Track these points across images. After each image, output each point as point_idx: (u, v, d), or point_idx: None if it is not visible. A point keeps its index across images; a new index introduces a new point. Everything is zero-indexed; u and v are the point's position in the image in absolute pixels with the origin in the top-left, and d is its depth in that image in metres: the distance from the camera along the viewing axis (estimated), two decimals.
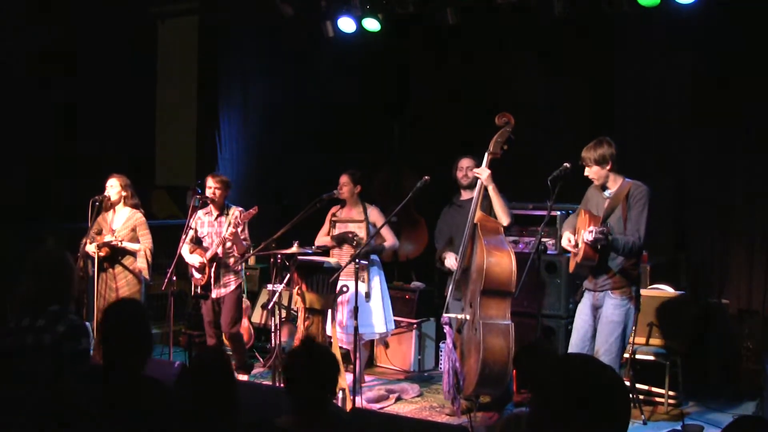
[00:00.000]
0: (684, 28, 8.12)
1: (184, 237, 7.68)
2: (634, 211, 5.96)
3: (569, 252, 6.29)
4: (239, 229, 7.62)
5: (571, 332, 6.31)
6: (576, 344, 6.18)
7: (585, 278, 6.25)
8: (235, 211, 7.65)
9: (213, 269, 7.71)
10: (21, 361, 3.96)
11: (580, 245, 5.98)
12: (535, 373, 3.25)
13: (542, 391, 2.26)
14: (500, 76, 9.49)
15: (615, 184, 6.11)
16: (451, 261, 7.01)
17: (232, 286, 7.77)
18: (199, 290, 7.80)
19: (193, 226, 7.80)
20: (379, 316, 7.73)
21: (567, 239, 6.13)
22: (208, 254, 7.71)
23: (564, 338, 7.41)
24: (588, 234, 5.77)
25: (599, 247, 5.87)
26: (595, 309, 6.13)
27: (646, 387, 7.32)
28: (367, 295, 7.46)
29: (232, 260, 7.75)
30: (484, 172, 6.78)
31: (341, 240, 7.72)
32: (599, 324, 6.08)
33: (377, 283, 7.77)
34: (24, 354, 3.97)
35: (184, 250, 7.80)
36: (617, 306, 6.02)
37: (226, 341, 7.95)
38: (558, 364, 2.29)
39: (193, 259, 7.77)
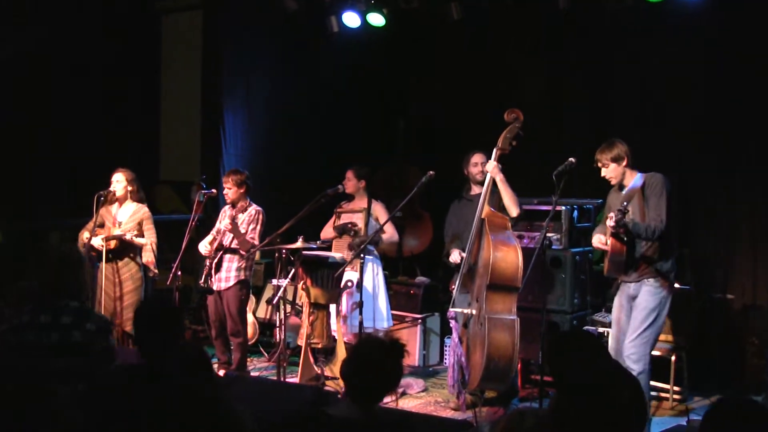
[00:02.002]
0: (690, 26, 8.07)
1: (188, 231, 7.69)
2: (653, 200, 5.98)
3: (593, 248, 6.31)
4: (251, 227, 7.62)
5: (610, 325, 6.38)
6: (615, 337, 6.21)
7: (612, 274, 6.27)
8: (251, 210, 7.64)
9: (215, 260, 7.68)
10: (47, 358, 3.94)
11: (608, 242, 6.02)
12: (561, 373, 3.24)
13: (567, 392, 2.30)
14: (506, 71, 9.45)
15: (631, 179, 6.13)
16: (455, 256, 7.01)
17: (232, 281, 7.69)
18: (202, 281, 7.75)
19: (219, 218, 7.93)
20: (378, 310, 7.72)
21: (598, 239, 6.20)
22: (215, 244, 7.71)
23: None
24: (609, 221, 5.78)
25: (623, 235, 5.89)
26: (632, 299, 6.15)
27: (651, 382, 7.28)
28: (358, 286, 7.39)
29: (237, 256, 7.71)
30: (490, 165, 6.78)
31: (342, 230, 7.75)
32: (633, 311, 6.10)
33: (371, 275, 7.73)
34: (49, 351, 3.94)
35: (206, 240, 7.81)
36: (652, 293, 6.03)
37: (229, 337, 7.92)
38: (586, 372, 2.33)
39: (203, 248, 7.77)
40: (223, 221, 7.79)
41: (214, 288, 7.71)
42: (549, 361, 5.44)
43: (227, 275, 7.70)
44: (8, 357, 3.99)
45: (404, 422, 3.94)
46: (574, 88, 9.15)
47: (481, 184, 7.00)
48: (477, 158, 7.11)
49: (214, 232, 7.83)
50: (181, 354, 3.74)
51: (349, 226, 7.65)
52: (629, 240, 5.98)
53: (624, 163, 6.09)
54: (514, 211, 6.84)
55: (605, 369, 2.45)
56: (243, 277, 7.74)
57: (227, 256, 7.72)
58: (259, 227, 7.72)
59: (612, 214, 5.78)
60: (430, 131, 10.30)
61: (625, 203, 5.79)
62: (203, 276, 7.73)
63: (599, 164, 6.15)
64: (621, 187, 6.18)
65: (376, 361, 3.50)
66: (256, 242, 7.71)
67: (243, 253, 7.67)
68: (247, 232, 7.64)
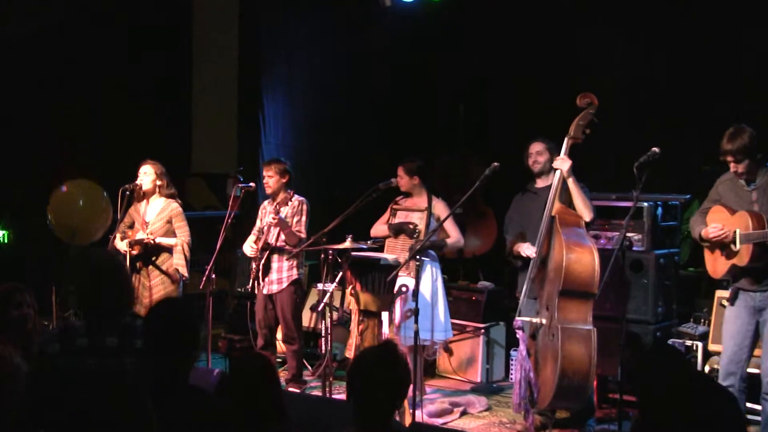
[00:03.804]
0: None
1: (223, 229, 7.81)
2: None
3: (703, 245, 6.27)
4: (295, 219, 7.76)
5: (723, 339, 6.31)
6: (733, 354, 6.17)
7: (737, 280, 6.23)
8: (294, 201, 7.79)
9: (263, 260, 7.82)
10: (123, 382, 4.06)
11: (738, 245, 6.00)
12: (649, 390, 3.29)
13: (653, 411, 2.32)
14: (579, 51, 9.45)
15: (758, 174, 6.10)
16: (528, 250, 6.93)
17: (285, 283, 7.86)
18: (250, 285, 7.88)
19: (259, 215, 8.08)
20: (437, 320, 7.74)
21: (715, 228, 6.10)
22: (260, 243, 7.85)
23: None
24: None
25: None
26: (757, 312, 6.12)
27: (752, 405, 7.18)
28: (414, 293, 7.45)
29: (285, 255, 7.83)
30: (564, 164, 6.74)
31: (398, 230, 7.73)
32: (765, 330, 6.07)
33: (429, 280, 7.76)
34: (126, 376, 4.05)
35: (249, 240, 7.98)
36: None
37: (281, 345, 8.02)
38: (677, 388, 2.35)
39: (248, 248, 7.93)
40: (265, 218, 7.93)
41: (265, 291, 7.87)
42: (631, 377, 5.40)
43: (279, 276, 7.87)
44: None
45: None
46: (659, 69, 9.11)
47: (543, 175, 7.03)
48: (534, 147, 7.11)
49: (256, 231, 7.98)
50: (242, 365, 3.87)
51: (409, 226, 7.65)
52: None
53: (757, 156, 6.02)
54: (587, 215, 6.76)
55: (699, 385, 2.47)
56: (296, 276, 7.92)
57: (275, 256, 7.88)
58: (304, 218, 7.87)
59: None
60: (494, 116, 10.30)
61: None
62: (251, 280, 7.87)
63: (729, 158, 6.06)
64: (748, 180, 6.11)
65: (379, 374, 3.64)
66: (303, 235, 7.84)
67: (292, 249, 7.79)
68: (292, 224, 7.77)
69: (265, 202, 8.07)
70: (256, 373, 3.83)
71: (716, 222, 6.14)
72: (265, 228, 7.92)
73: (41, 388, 4.00)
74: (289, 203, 7.83)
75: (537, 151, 7.08)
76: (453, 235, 7.71)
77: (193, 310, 4.16)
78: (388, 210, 8.00)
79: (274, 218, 7.70)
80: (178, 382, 3.76)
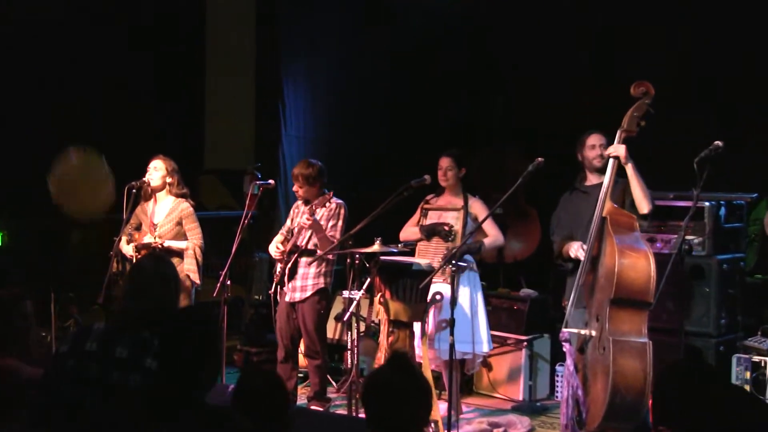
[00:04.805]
0: None
1: (240, 231, 7.80)
2: None
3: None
4: (330, 224, 7.72)
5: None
6: None
7: None
8: (331, 203, 7.75)
9: (290, 264, 7.79)
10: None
11: None
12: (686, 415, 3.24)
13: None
14: (631, 35, 9.37)
15: None
16: (576, 251, 6.86)
17: (310, 291, 7.79)
18: (272, 290, 7.87)
19: (290, 215, 8.05)
20: (477, 331, 7.71)
21: None
22: (288, 245, 7.82)
23: (714, 362, 7.34)
24: None
25: None
26: None
27: None
28: (453, 302, 7.41)
29: (312, 260, 7.79)
30: (620, 149, 6.68)
31: (431, 232, 7.70)
32: None
33: (467, 286, 7.73)
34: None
35: (276, 240, 7.97)
36: None
37: (303, 359, 8.01)
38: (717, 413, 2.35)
39: (273, 249, 7.91)
40: (297, 218, 7.90)
41: (287, 299, 7.83)
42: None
43: (303, 283, 7.80)
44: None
45: None
46: (715, 58, 9.02)
47: (599, 171, 6.96)
48: (594, 140, 7.05)
49: (284, 231, 7.95)
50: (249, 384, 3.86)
51: (443, 227, 7.62)
52: None
53: None
54: (645, 206, 6.72)
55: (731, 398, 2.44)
56: (323, 285, 7.83)
57: (303, 260, 7.81)
58: (340, 223, 7.80)
59: None
60: (535, 107, 10.25)
61: None
62: (273, 285, 7.85)
63: None
64: None
65: (401, 389, 3.62)
66: (338, 239, 7.74)
67: (329, 256, 7.73)
68: (326, 228, 7.73)
69: (299, 201, 8.02)
70: (262, 393, 3.83)
71: None
72: (296, 229, 7.88)
73: (48, 388, 4.14)
74: (327, 205, 7.77)
75: (601, 144, 7.00)
76: (491, 233, 7.68)
77: (214, 320, 4.18)
78: (419, 210, 7.97)
79: (308, 219, 7.64)
80: (196, 399, 3.73)
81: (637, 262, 6.38)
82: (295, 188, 7.83)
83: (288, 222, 8.04)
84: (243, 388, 4.09)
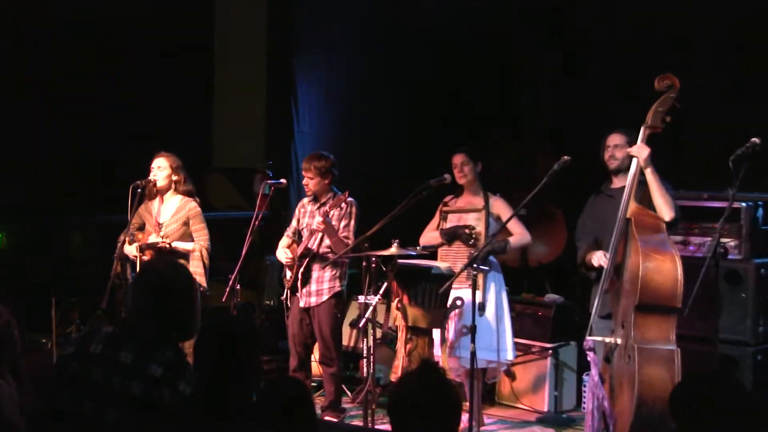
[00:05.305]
0: None
1: (250, 233, 7.79)
2: None
3: None
4: (343, 224, 7.70)
5: None
6: None
7: None
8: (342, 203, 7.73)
9: (302, 269, 7.76)
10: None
11: None
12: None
13: None
14: (660, 24, 9.32)
15: None
16: (599, 258, 6.82)
17: (325, 296, 7.79)
18: (284, 296, 7.85)
19: (296, 215, 8.04)
20: (503, 338, 7.69)
21: None
22: (299, 249, 7.80)
23: (751, 372, 7.30)
24: None
25: None
26: None
27: None
28: (481, 307, 7.37)
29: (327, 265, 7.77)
30: (641, 151, 6.63)
31: (452, 235, 7.70)
32: None
33: (492, 291, 7.71)
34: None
35: (282, 243, 7.96)
36: None
37: (317, 366, 7.99)
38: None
39: (281, 254, 7.88)
40: (304, 219, 7.88)
41: (301, 304, 7.82)
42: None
43: (318, 288, 7.80)
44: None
45: None
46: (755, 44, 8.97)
47: (622, 173, 6.91)
48: (612, 140, 6.99)
49: (290, 233, 7.94)
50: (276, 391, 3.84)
51: (465, 230, 7.59)
52: None
53: None
54: (667, 213, 6.64)
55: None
56: (338, 289, 7.84)
57: (316, 264, 7.80)
58: (353, 222, 7.79)
59: None
60: (561, 103, 10.23)
61: None
62: (285, 291, 7.84)
63: None
64: None
65: (435, 406, 3.58)
66: (352, 240, 7.73)
67: (344, 259, 7.72)
68: (339, 229, 7.71)
69: (305, 200, 8.02)
70: (288, 403, 3.82)
71: None
72: (304, 231, 7.86)
73: (50, 391, 4.16)
74: (342, 206, 7.73)
75: (615, 144, 6.96)
76: (516, 231, 7.68)
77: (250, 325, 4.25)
78: (437, 213, 7.97)
79: (320, 224, 7.60)
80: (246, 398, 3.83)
81: (662, 265, 6.36)
82: (304, 181, 7.83)
83: (294, 222, 8.03)
84: (269, 395, 4.08)
